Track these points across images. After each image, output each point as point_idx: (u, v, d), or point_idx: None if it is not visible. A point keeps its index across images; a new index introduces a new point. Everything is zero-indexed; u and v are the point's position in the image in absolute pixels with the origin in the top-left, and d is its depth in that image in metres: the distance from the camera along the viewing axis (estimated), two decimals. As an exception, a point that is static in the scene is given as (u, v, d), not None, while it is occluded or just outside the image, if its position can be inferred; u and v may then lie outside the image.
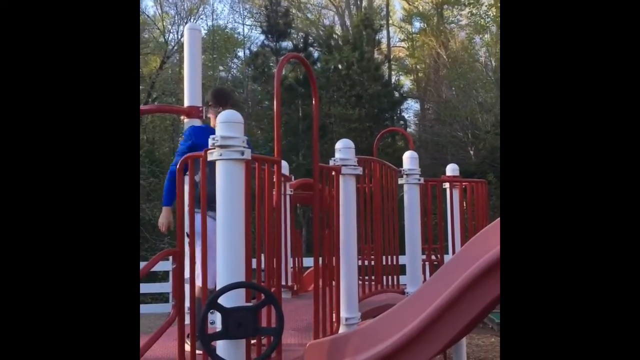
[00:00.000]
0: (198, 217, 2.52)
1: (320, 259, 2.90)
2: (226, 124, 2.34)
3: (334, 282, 3.01)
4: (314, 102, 3.02)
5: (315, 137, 2.98)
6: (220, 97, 3.30)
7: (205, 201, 2.55)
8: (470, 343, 5.99)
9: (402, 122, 17.07)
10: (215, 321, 2.20)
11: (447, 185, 4.54)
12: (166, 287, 9.17)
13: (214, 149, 2.31)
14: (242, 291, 2.26)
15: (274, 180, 2.75)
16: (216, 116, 2.97)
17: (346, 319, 2.98)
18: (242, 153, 2.32)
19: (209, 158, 2.35)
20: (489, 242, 2.29)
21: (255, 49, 16.17)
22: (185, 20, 17.63)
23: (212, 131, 2.60)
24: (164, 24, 18.15)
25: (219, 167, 2.32)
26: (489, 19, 19.17)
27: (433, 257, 4.54)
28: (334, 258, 2.97)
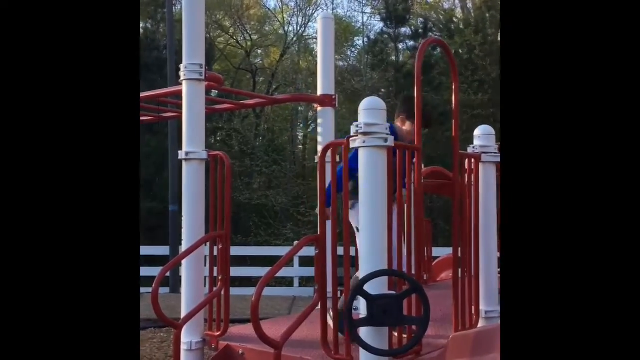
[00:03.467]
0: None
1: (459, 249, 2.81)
2: (369, 111, 2.32)
3: (465, 273, 2.91)
4: (454, 87, 2.93)
5: (456, 124, 2.89)
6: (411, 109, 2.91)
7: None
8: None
9: (528, 107, 16.15)
10: (359, 307, 2.21)
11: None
12: (290, 271, 9.49)
13: (357, 136, 2.31)
14: (385, 279, 2.25)
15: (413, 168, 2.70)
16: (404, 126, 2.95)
17: (486, 312, 2.87)
18: (385, 140, 2.30)
19: (352, 145, 2.35)
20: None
21: (373, 37, 16.09)
22: (303, 12, 17.95)
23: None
24: (284, 16, 18.63)
25: (362, 155, 2.32)
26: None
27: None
28: (466, 248, 2.87)
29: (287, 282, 10.00)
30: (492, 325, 2.41)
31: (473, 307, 2.82)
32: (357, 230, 2.45)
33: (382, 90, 15.09)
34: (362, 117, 2.32)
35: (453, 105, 2.92)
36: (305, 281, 9.45)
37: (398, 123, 2.96)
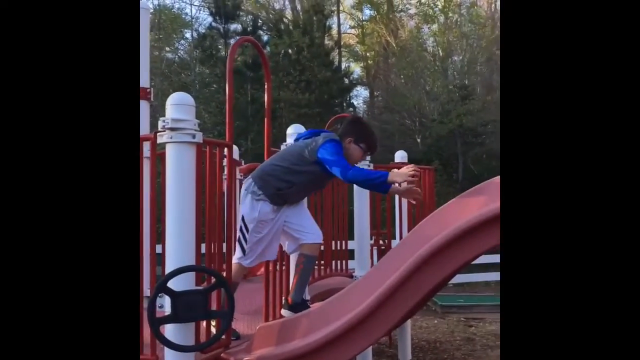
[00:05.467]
0: (260, 204, 2.70)
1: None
2: (177, 106, 2.30)
3: (283, 267, 3.04)
4: (266, 86, 3.01)
5: (268, 121, 2.98)
6: (361, 133, 2.83)
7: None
8: (415, 325, 6.17)
9: (351, 108, 17.18)
10: (164, 305, 2.18)
11: (395, 171, 4.63)
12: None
13: (164, 131, 2.27)
14: (192, 275, 2.25)
15: (225, 164, 2.74)
16: (350, 150, 2.77)
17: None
18: (194, 136, 2.29)
19: (159, 140, 2.31)
20: (433, 228, 2.36)
21: (203, 31, 15.84)
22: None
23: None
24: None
25: (169, 151, 2.29)
26: (437, 9, 19.48)
27: (380, 242, 4.63)
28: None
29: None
30: (295, 315, 2.54)
31: (284, 298, 2.95)
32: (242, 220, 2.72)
33: (214, 85, 14.94)
34: (170, 112, 2.28)
35: (266, 103, 3.01)
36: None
37: (345, 145, 2.80)
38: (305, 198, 2.96)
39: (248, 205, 2.73)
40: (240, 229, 2.76)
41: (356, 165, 2.78)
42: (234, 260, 2.81)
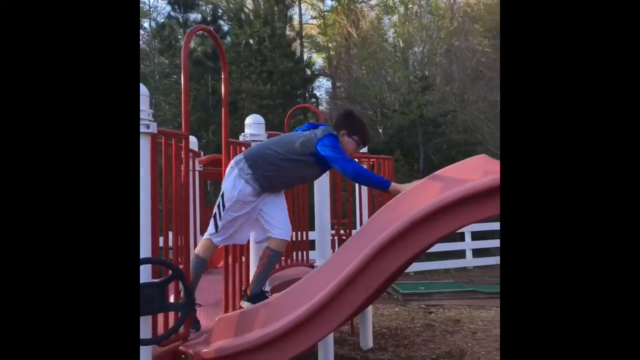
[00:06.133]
0: (242, 184, 2.71)
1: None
2: (130, 96, 2.26)
3: (243, 258, 3.03)
4: (223, 76, 2.98)
5: (225, 112, 2.95)
6: (354, 126, 2.85)
7: None
8: (376, 313, 6.25)
9: (313, 99, 17.15)
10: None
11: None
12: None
13: (117, 122, 2.23)
14: (148, 268, 2.22)
15: (182, 155, 2.70)
16: (344, 143, 2.78)
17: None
18: (148, 127, 2.26)
19: (112, 131, 2.26)
20: (390, 216, 2.39)
21: (161, 20, 15.51)
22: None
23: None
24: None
25: (123, 141, 2.24)
26: (397, 1, 19.60)
27: (342, 231, 4.67)
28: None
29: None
30: (254, 306, 2.54)
31: (243, 290, 2.94)
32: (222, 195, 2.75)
33: (174, 76, 14.67)
34: (123, 103, 2.24)
35: (223, 94, 2.97)
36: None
37: (339, 137, 2.81)
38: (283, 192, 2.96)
39: (231, 182, 2.74)
40: (218, 205, 2.79)
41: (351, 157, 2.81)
42: (205, 235, 2.85)
